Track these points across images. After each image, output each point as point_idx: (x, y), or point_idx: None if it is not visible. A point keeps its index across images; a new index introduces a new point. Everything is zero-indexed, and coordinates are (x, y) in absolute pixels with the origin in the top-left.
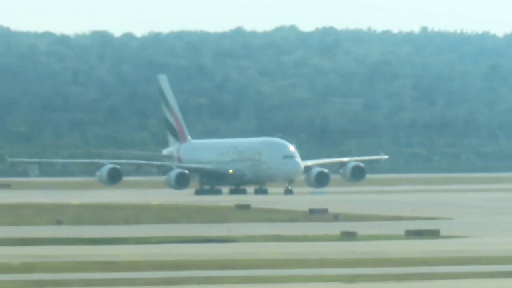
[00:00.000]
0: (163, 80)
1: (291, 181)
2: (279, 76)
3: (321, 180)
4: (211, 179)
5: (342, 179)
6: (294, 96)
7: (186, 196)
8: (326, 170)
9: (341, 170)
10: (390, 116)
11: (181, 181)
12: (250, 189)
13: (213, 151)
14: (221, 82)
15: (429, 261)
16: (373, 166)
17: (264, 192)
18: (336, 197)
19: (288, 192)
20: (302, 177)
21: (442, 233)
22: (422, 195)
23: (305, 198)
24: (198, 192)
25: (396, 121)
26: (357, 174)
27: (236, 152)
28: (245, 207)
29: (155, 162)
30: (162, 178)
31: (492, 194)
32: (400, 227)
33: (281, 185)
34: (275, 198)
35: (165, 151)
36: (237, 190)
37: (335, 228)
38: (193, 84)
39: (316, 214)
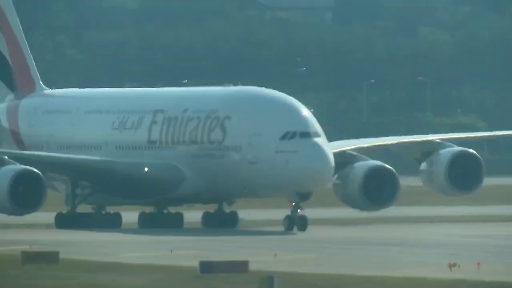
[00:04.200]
0: None
1: (304, 196)
2: None
3: (375, 189)
4: (99, 188)
5: (429, 185)
6: None
7: (35, 234)
8: (388, 167)
9: (424, 166)
10: None
11: (25, 195)
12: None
13: (105, 118)
14: None
15: None
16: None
17: (233, 220)
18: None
19: (296, 221)
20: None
21: None
22: None
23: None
24: (66, 220)
25: None
26: (468, 175)
27: (165, 122)
28: None
29: None
30: None
31: None
32: None
33: (278, 202)
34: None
35: None
36: (160, 215)
37: None
38: None
39: None
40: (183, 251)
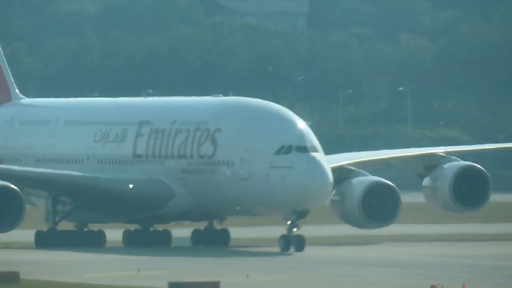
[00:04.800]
0: None
1: (301, 214)
2: None
3: (375, 206)
4: (80, 205)
5: (432, 201)
6: None
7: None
8: (389, 183)
9: (427, 181)
10: None
11: (1, 212)
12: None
13: (86, 129)
14: None
15: None
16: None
17: (224, 237)
18: None
19: (292, 241)
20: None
21: None
22: None
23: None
24: (46, 237)
25: None
26: (473, 191)
27: (152, 134)
28: None
29: None
30: None
31: None
32: None
33: (272, 220)
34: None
35: None
36: (146, 233)
37: None
38: None
39: None
40: (151, 271)
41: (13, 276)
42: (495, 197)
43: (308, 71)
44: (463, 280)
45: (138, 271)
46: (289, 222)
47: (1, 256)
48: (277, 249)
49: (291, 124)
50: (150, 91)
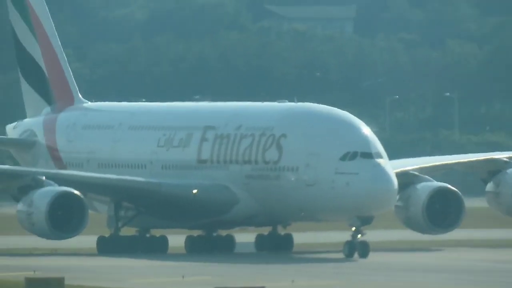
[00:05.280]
0: None
1: (366, 220)
2: None
3: (439, 212)
4: (143, 211)
5: (496, 206)
6: None
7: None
8: (453, 188)
9: (491, 186)
10: None
11: (64, 217)
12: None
13: (150, 134)
14: None
15: None
16: None
17: (287, 242)
18: None
19: (356, 247)
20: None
21: None
22: None
23: None
24: (108, 243)
25: None
26: None
27: (217, 139)
28: None
29: None
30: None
31: None
32: None
33: (338, 226)
34: None
35: (13, 130)
36: (208, 239)
37: None
38: None
39: None
40: (196, 277)
41: (57, 282)
42: None
43: (355, 76)
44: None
45: (183, 277)
46: (353, 228)
47: (52, 262)
48: (341, 255)
49: (357, 130)
50: (197, 96)
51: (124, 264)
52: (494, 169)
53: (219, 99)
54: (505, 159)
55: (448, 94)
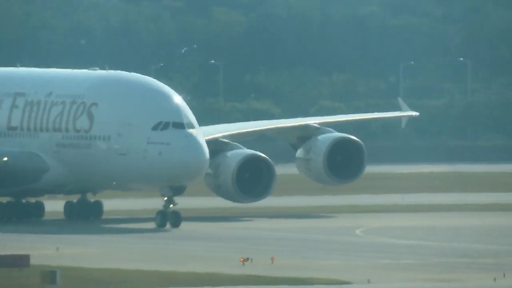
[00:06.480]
0: None
1: (178, 190)
2: None
3: (249, 180)
4: None
5: (306, 173)
6: None
7: None
8: (263, 156)
9: (301, 152)
10: None
11: None
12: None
13: None
14: None
15: None
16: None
17: (97, 210)
18: None
19: (169, 217)
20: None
21: None
22: None
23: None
24: None
25: None
26: (348, 163)
27: (27, 107)
28: None
29: None
30: None
31: None
32: None
33: (149, 194)
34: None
35: None
36: (18, 206)
37: None
38: None
39: None
40: None
41: None
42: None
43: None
44: (272, 253)
45: None
46: (165, 198)
47: None
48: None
49: (169, 100)
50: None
51: None
52: (305, 135)
53: None
54: (316, 125)
55: (213, 61)
